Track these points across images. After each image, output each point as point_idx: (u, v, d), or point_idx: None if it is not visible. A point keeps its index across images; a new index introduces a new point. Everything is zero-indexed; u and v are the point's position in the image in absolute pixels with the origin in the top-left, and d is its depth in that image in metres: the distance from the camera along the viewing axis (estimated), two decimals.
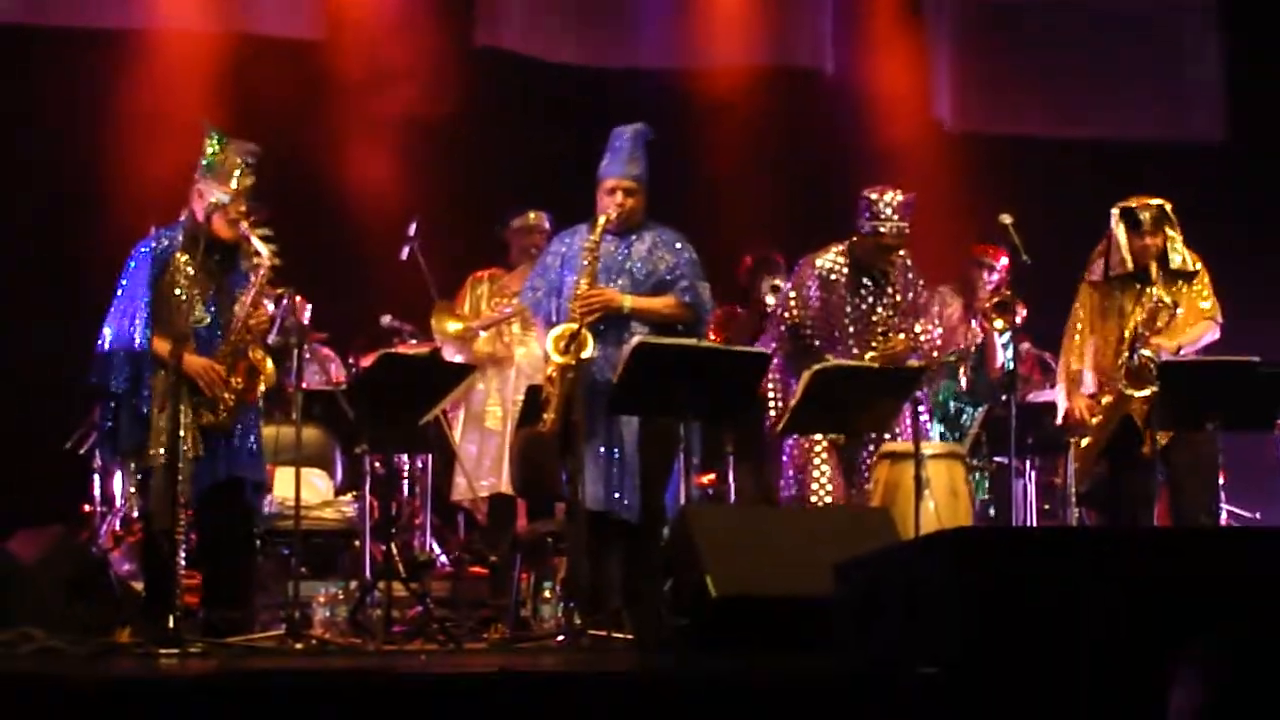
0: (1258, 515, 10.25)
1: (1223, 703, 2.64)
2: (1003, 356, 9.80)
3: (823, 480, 8.26)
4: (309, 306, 9.45)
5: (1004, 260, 9.79)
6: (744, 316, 9.92)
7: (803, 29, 11.99)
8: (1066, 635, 5.23)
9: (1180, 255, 8.29)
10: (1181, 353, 8.17)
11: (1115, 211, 8.31)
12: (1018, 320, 9.44)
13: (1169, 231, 8.28)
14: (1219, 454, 8.18)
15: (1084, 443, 8.35)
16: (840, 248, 8.48)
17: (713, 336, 8.90)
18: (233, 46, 10.73)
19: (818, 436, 8.29)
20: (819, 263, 8.46)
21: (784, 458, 8.44)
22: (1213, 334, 8.38)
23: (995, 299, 9.46)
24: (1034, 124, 12.06)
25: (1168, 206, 8.28)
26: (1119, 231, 8.27)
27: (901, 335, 8.34)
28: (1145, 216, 8.24)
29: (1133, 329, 8.16)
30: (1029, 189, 10.73)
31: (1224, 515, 8.71)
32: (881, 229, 8.31)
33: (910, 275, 8.51)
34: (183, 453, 6.92)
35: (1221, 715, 2.64)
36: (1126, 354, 8.11)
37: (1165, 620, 5.08)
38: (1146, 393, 8.02)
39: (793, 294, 8.48)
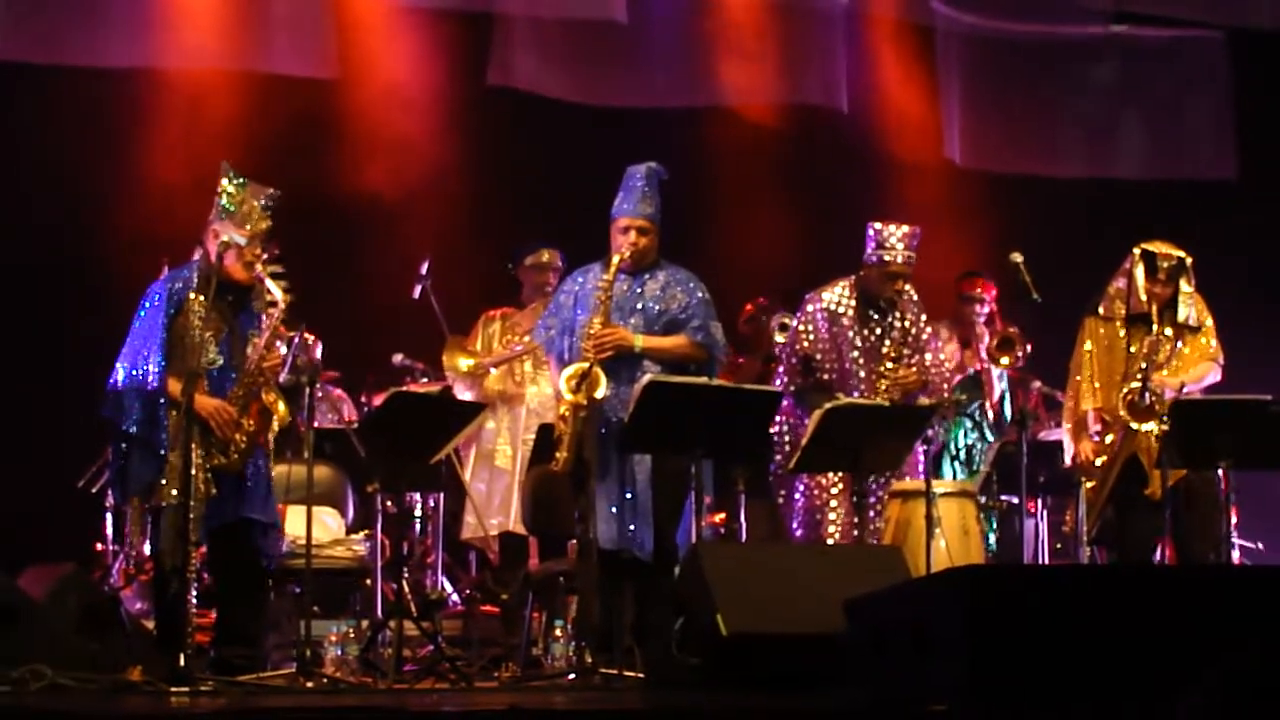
0: (1259, 545, 10.26)
1: None
2: (999, 389, 9.83)
3: (838, 521, 8.27)
4: (320, 345, 9.46)
5: (993, 292, 9.88)
6: (747, 364, 9.92)
7: (817, 68, 12.01)
8: (1075, 672, 5.22)
9: (1187, 310, 8.27)
10: (1185, 390, 8.15)
11: (1137, 251, 8.30)
12: (1020, 356, 9.49)
13: (1183, 285, 8.26)
14: (1231, 493, 8.15)
15: (1090, 484, 8.34)
16: (846, 282, 8.53)
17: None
18: (246, 86, 10.77)
19: (833, 477, 8.30)
20: (826, 297, 8.50)
21: (797, 496, 8.44)
22: (1215, 375, 8.37)
23: (998, 337, 9.51)
24: (1044, 163, 12.08)
25: (1188, 261, 8.26)
26: (1137, 271, 8.26)
27: (913, 368, 8.36)
28: (1164, 265, 8.22)
29: (1137, 365, 8.14)
30: (1039, 227, 10.75)
31: (1236, 552, 8.69)
32: (888, 258, 8.36)
33: (916, 309, 8.54)
34: (194, 492, 6.92)
35: None
36: (1131, 387, 8.09)
37: (1171, 657, 5.07)
38: (1150, 426, 8.02)
39: (802, 327, 8.52)
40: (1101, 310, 8.39)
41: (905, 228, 8.42)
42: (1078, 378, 8.40)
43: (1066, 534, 9.70)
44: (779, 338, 9.58)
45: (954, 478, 9.69)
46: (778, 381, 8.64)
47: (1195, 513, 8.12)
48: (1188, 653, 4.99)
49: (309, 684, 6.94)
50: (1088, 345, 8.40)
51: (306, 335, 8.50)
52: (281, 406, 7.37)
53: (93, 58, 10.60)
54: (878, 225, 8.42)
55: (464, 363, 9.44)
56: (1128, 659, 5.23)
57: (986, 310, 10.03)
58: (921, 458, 8.39)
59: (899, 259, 8.37)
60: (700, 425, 7.39)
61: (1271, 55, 11.88)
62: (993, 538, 9.57)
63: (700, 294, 7.93)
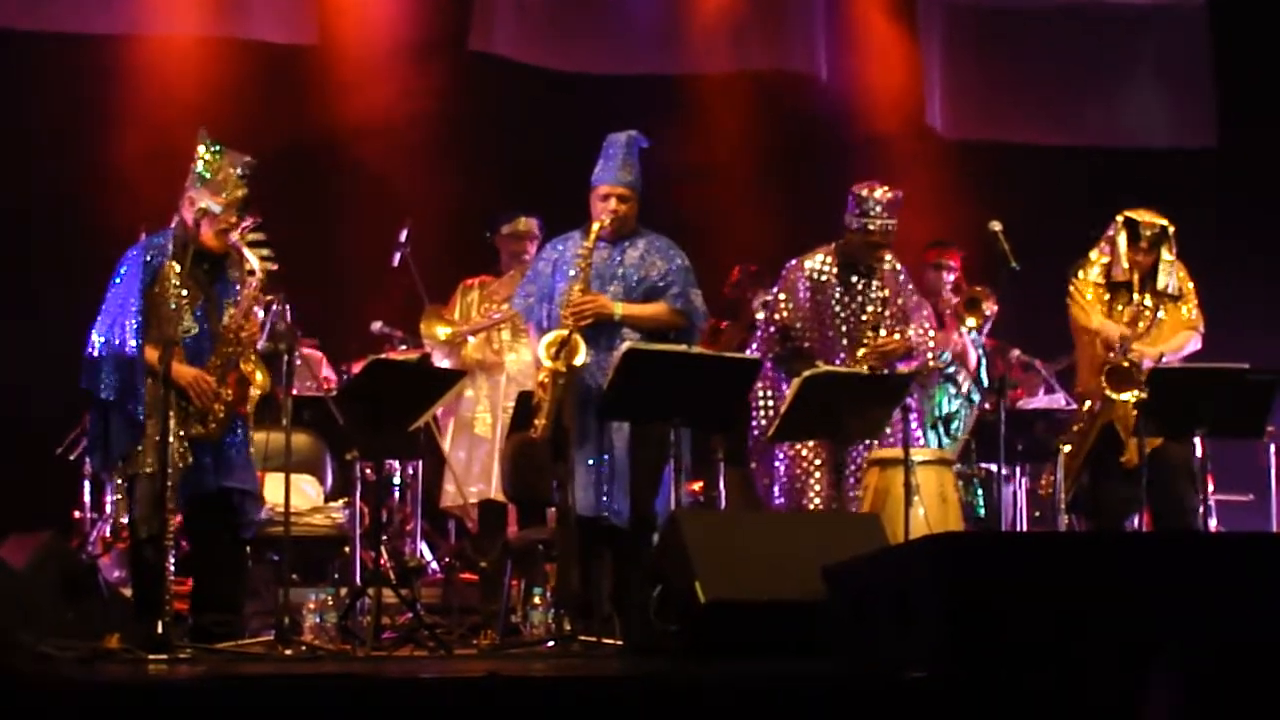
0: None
1: (1199, 705, 2.65)
2: (975, 354, 9.83)
3: (820, 488, 8.27)
4: (289, 312, 9.39)
5: (958, 260, 9.88)
6: (730, 330, 9.91)
7: (796, 35, 11.99)
8: (1052, 639, 5.24)
9: (1168, 279, 8.28)
10: (1164, 360, 8.16)
11: (1120, 219, 8.30)
12: (988, 316, 9.49)
13: (1164, 253, 8.27)
14: (1207, 460, 8.17)
15: (1067, 449, 8.35)
16: (828, 249, 8.51)
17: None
18: (225, 52, 10.74)
19: (812, 444, 8.30)
20: (808, 265, 8.48)
21: (777, 463, 8.43)
22: (1195, 343, 8.39)
23: (966, 296, 9.51)
24: (1026, 131, 12.07)
25: (1170, 229, 8.26)
26: (1120, 239, 8.26)
27: (896, 336, 8.35)
28: (1146, 233, 8.23)
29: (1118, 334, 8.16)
30: (1022, 195, 10.75)
31: (1214, 520, 8.72)
32: (870, 226, 8.35)
33: (901, 279, 8.53)
34: (171, 460, 6.91)
35: (1197, 717, 2.66)
36: (1111, 356, 8.10)
37: (1148, 623, 5.09)
38: (1128, 396, 8.02)
39: (782, 296, 8.50)
40: (1081, 275, 8.39)
41: (889, 193, 8.37)
42: (1085, 304, 8.33)
43: (1042, 498, 9.70)
44: (760, 315, 9.52)
45: (939, 445, 9.68)
46: (751, 350, 8.63)
47: (1170, 479, 8.13)
48: (1164, 619, 5.01)
49: (287, 651, 6.94)
50: (1080, 296, 8.35)
51: (285, 304, 8.47)
52: (260, 375, 7.35)
53: (71, 24, 10.57)
54: (861, 192, 8.37)
55: (442, 331, 9.42)
56: (1105, 625, 5.25)
57: (952, 278, 10.01)
58: (903, 425, 8.39)
59: (880, 227, 8.34)
60: (679, 393, 7.39)
61: (1252, 22, 11.87)
62: (975, 504, 9.58)
63: (680, 261, 7.92)
